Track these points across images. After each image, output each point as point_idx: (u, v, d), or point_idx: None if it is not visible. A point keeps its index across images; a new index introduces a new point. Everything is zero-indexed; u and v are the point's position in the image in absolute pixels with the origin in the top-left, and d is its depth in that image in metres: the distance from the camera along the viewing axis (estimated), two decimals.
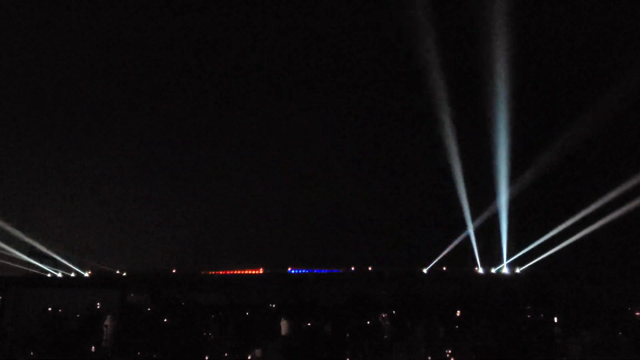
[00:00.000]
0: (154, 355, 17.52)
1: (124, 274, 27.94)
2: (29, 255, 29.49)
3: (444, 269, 24.34)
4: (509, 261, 24.41)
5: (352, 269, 25.38)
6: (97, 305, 21.59)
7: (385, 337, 18.60)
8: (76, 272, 30.05)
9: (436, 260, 25.03)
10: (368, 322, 19.23)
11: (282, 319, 17.96)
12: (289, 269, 25.83)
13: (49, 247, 30.63)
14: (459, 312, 21.54)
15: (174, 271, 27.67)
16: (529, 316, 22.03)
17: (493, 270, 24.86)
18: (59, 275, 32.56)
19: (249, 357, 17.74)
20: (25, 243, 29.90)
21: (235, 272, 27.10)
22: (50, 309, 21.58)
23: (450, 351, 18.82)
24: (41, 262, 30.12)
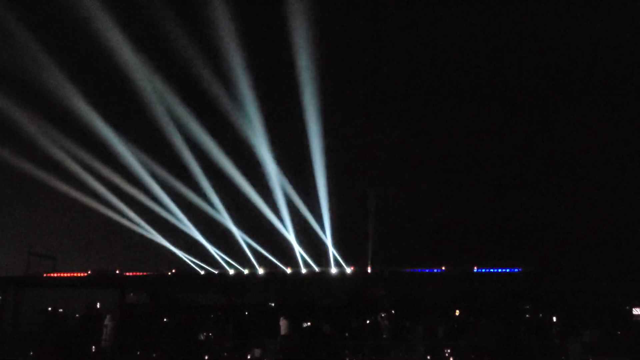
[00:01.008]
0: (154, 355, 17.53)
1: (124, 274, 27.92)
2: (28, 255, 29.48)
3: (443, 268, 24.32)
4: (507, 260, 24.44)
5: (352, 268, 25.35)
6: (97, 305, 21.58)
7: (384, 336, 18.60)
8: (76, 271, 29.99)
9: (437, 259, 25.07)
10: (367, 322, 19.25)
11: (281, 318, 17.91)
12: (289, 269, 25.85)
13: (48, 247, 30.65)
14: (458, 311, 21.56)
15: (173, 271, 27.67)
16: (528, 316, 22.06)
17: (491, 270, 24.83)
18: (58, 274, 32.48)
19: (248, 357, 17.75)
20: (24, 242, 29.90)
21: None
22: (49, 308, 21.58)
23: (449, 351, 18.84)
24: (40, 262, 30.11)
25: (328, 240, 25.13)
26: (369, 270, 25.45)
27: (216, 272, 27.23)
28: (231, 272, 26.82)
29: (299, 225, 25.33)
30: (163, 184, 25.67)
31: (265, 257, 25.97)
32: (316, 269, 25.83)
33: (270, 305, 25.47)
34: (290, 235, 25.45)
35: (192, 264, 27.38)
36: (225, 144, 24.86)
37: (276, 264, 26.16)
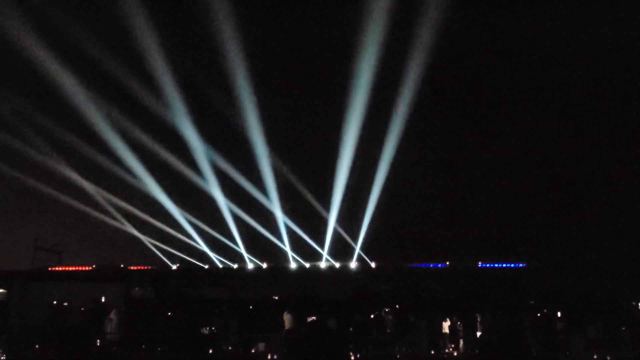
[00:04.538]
0: (158, 349, 17.63)
1: (128, 268, 28.07)
2: (34, 249, 29.68)
3: (447, 263, 24.32)
4: (512, 255, 24.39)
5: (357, 264, 25.37)
6: (102, 299, 21.70)
7: (388, 331, 18.64)
8: (81, 265, 30.16)
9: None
10: (372, 316, 19.28)
11: (286, 312, 17.98)
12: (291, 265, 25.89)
13: (54, 241, 30.83)
14: (462, 307, 21.53)
15: (177, 265, 27.77)
16: (532, 312, 22.01)
17: (495, 265, 24.80)
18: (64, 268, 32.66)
19: (253, 351, 17.83)
20: (30, 236, 30.09)
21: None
22: (55, 302, 21.71)
23: (453, 345, 18.88)
24: (46, 256, 30.30)
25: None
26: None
27: (221, 267, 27.35)
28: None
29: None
30: None
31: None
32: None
33: (275, 300, 25.54)
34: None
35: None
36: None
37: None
